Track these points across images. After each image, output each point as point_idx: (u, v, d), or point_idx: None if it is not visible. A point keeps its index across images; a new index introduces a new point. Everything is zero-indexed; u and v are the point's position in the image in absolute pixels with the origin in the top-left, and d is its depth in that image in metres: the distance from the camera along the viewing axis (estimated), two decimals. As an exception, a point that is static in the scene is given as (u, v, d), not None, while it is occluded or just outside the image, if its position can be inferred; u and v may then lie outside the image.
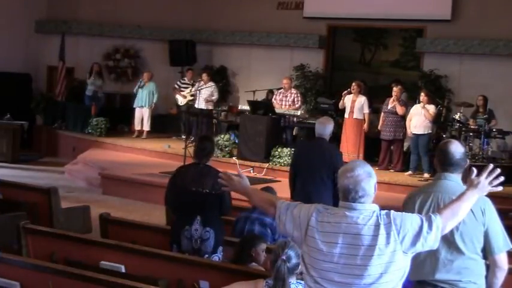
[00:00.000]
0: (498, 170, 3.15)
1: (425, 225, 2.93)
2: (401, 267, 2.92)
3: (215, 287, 4.31)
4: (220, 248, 5.15)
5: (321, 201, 3.45)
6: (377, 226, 2.90)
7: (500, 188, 3.18)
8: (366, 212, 2.94)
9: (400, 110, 10.80)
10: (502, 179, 3.13)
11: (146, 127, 13.75)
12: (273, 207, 3.21)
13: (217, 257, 5.07)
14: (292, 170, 6.64)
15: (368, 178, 2.96)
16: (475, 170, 3.17)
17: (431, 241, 2.94)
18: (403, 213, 3.00)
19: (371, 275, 2.86)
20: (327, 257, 2.92)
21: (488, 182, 3.13)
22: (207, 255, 5.02)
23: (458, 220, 3.11)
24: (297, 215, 3.09)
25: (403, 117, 10.92)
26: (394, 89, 11.00)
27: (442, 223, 2.98)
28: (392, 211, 2.97)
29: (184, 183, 5.19)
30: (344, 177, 2.98)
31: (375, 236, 2.88)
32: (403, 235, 2.89)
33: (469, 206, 3.14)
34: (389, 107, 10.92)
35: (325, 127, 6.51)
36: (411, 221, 2.94)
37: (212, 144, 5.45)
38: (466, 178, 3.25)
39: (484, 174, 3.13)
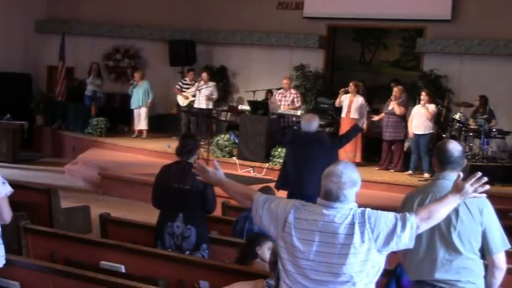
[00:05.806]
0: (485, 179, 3.11)
1: (399, 224, 2.95)
2: (376, 264, 2.96)
3: (215, 287, 4.31)
4: (204, 246, 5.16)
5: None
6: (352, 225, 2.92)
7: (483, 195, 3.18)
8: (344, 210, 2.96)
9: (398, 110, 10.80)
10: (487, 187, 3.10)
11: (143, 126, 13.74)
12: (249, 200, 3.23)
13: (200, 254, 5.08)
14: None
15: (352, 187, 2.99)
16: (461, 174, 3.16)
17: (405, 240, 2.95)
18: (378, 211, 3.01)
19: (346, 273, 2.89)
20: (303, 255, 2.95)
21: (473, 189, 3.10)
22: (188, 252, 5.04)
23: (435, 223, 3.10)
24: (275, 209, 3.11)
25: (404, 118, 10.92)
26: (394, 89, 11.01)
27: (417, 223, 2.98)
28: (368, 209, 3.00)
29: (166, 181, 5.24)
30: (329, 180, 2.99)
31: (350, 234, 2.90)
32: (377, 234, 2.92)
33: (448, 210, 3.12)
34: (389, 108, 10.93)
35: (310, 123, 6.95)
36: (385, 219, 2.96)
37: (194, 141, 5.41)
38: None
39: (470, 181, 3.09)
